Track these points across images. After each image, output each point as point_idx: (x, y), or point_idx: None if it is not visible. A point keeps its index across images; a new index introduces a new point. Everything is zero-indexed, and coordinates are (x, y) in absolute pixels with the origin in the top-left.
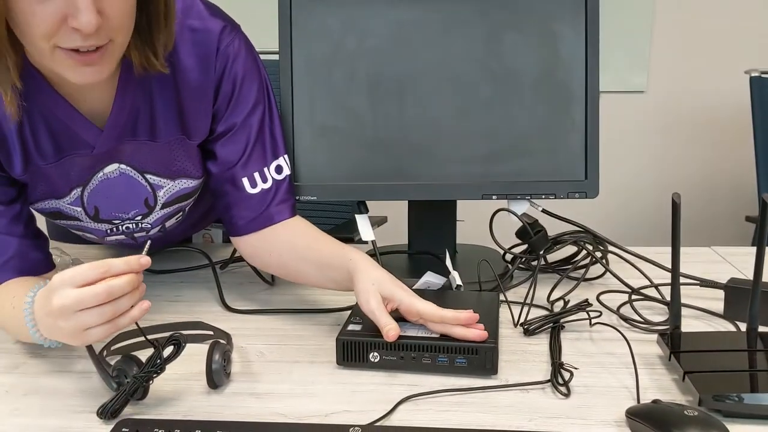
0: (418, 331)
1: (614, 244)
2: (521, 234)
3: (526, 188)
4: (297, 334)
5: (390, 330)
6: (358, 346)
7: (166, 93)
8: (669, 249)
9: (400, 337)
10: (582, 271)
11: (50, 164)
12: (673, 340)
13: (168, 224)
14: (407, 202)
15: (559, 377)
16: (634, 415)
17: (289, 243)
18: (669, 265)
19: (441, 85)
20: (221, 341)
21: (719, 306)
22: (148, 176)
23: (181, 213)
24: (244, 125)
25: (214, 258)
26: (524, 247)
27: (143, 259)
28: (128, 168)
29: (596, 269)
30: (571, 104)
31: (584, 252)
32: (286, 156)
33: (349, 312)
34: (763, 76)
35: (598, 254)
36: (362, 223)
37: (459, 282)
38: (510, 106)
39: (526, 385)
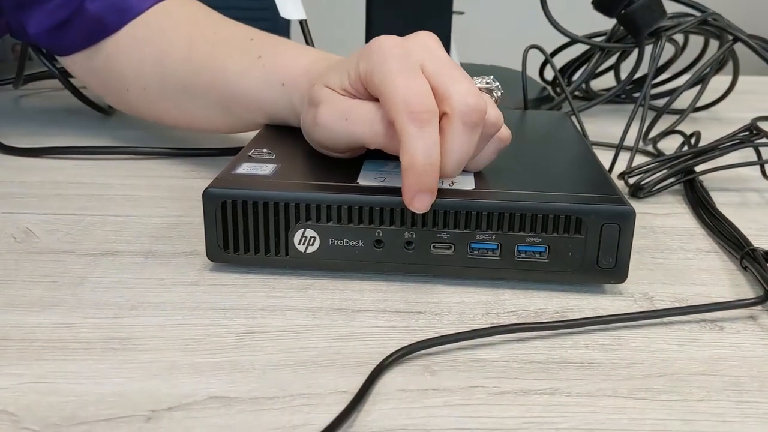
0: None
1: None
2: (607, 2)
3: None
4: (130, 196)
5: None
6: (264, 213)
7: None
8: None
9: (365, 190)
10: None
11: None
12: None
13: None
14: None
15: None
16: None
17: (155, 64)
18: None
19: None
20: None
21: None
22: None
23: None
24: None
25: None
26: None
27: None
28: None
29: (713, 92)
30: None
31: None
32: None
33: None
34: None
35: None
36: None
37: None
38: None
39: (706, 311)
